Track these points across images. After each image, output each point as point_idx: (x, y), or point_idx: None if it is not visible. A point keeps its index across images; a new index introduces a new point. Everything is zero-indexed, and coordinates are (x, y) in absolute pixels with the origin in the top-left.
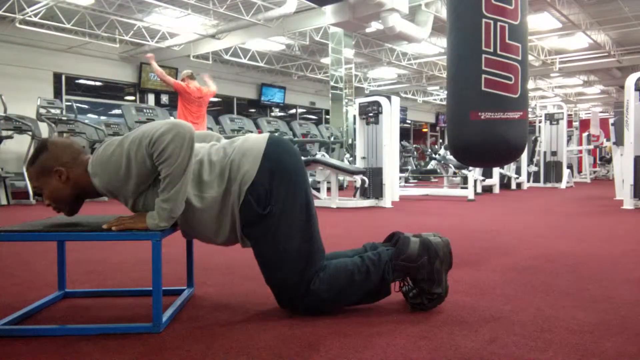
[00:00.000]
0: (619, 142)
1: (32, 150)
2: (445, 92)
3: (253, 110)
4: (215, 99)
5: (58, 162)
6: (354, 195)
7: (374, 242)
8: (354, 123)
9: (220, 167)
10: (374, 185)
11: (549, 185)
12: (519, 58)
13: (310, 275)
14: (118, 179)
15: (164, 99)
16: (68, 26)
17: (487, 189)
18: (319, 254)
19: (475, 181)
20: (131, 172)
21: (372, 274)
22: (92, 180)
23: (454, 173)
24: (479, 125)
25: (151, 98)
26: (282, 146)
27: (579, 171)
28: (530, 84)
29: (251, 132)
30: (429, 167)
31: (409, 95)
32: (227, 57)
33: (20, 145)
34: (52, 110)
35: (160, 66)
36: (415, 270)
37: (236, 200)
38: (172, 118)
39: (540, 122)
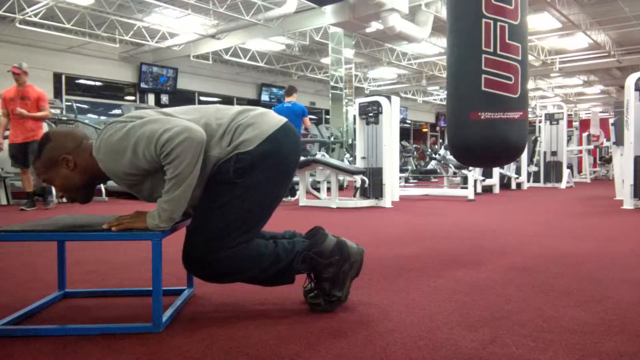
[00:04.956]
0: (619, 142)
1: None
2: (445, 92)
3: None
4: (215, 99)
5: (63, 150)
6: (354, 196)
7: (294, 230)
8: (354, 123)
9: (224, 129)
10: (374, 185)
11: (549, 185)
12: (519, 58)
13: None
14: (120, 167)
15: (164, 99)
16: (68, 26)
17: (487, 189)
18: (248, 241)
19: (475, 181)
20: (134, 164)
21: (282, 261)
22: (99, 164)
23: (454, 173)
24: (479, 125)
25: (151, 98)
26: (290, 138)
27: (579, 171)
28: (530, 84)
29: None
30: (429, 167)
31: (409, 95)
32: (227, 57)
33: None
34: (52, 110)
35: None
36: (323, 267)
37: (223, 157)
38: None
39: (540, 122)
